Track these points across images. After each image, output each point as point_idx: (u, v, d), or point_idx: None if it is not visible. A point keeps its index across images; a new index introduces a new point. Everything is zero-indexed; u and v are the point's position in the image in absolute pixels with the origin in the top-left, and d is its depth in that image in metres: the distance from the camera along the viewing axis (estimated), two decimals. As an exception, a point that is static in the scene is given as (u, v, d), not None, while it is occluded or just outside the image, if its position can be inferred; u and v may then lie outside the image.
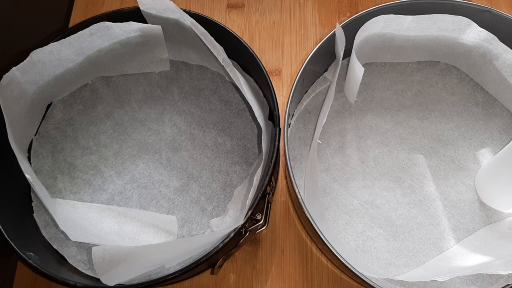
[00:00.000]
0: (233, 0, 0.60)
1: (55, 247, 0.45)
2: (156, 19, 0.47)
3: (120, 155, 0.50)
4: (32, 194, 0.47)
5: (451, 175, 0.48)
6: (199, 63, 0.53)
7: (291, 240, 0.48)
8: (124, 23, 0.46)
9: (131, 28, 0.47)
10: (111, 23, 0.46)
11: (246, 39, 0.56)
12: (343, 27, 0.44)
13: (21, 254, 0.39)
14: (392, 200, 0.47)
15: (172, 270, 0.40)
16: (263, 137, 0.42)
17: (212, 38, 0.44)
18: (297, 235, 0.48)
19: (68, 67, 0.48)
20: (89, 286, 0.39)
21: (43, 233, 0.45)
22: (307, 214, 0.38)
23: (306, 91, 0.51)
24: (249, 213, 0.38)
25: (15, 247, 0.39)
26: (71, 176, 0.48)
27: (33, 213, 0.46)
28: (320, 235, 0.37)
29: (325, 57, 0.50)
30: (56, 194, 0.48)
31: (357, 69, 0.44)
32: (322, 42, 0.45)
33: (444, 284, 0.43)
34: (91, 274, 0.44)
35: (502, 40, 0.45)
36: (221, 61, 0.44)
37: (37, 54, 0.44)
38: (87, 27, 0.45)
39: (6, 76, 0.42)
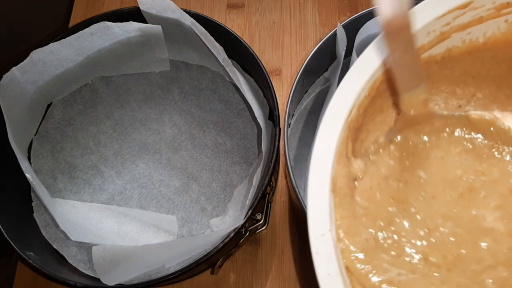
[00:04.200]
0: (233, 0, 0.60)
1: (55, 247, 0.45)
2: (156, 19, 0.47)
3: (120, 155, 0.50)
4: (32, 194, 0.47)
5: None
6: (199, 63, 0.53)
7: (291, 240, 0.48)
8: (124, 23, 0.46)
9: (131, 28, 0.47)
10: (111, 23, 0.46)
11: (246, 39, 0.56)
12: (343, 26, 0.44)
13: (21, 254, 0.39)
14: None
15: (172, 270, 0.40)
16: (263, 137, 0.42)
17: (212, 38, 0.44)
18: (297, 235, 0.48)
19: (68, 67, 0.48)
20: (89, 286, 0.39)
21: (43, 233, 0.45)
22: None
23: (306, 91, 0.51)
24: (249, 213, 0.38)
25: (15, 247, 0.39)
26: (71, 176, 0.48)
27: (33, 213, 0.46)
28: (320, 235, 0.37)
29: (325, 57, 0.50)
30: (56, 194, 0.48)
31: (357, 69, 0.44)
32: (322, 42, 0.45)
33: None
34: (91, 274, 0.44)
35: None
36: (221, 61, 0.44)
37: (37, 54, 0.44)
38: (87, 27, 0.45)
39: (6, 76, 0.42)
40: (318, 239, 0.25)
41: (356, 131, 0.29)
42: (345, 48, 0.44)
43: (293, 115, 0.50)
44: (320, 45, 0.45)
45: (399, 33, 0.25)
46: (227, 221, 0.45)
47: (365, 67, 0.27)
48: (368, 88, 0.27)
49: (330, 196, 0.26)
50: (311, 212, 0.25)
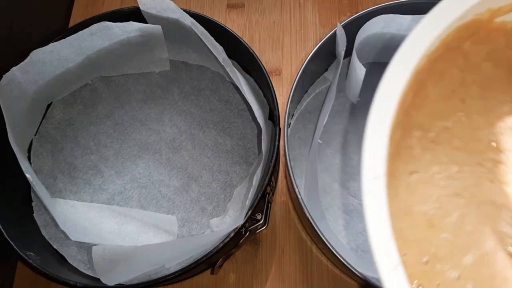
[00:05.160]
0: (233, 0, 0.60)
1: (55, 247, 0.45)
2: (156, 19, 0.47)
3: (120, 155, 0.50)
4: (32, 194, 0.47)
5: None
6: (199, 63, 0.53)
7: (291, 240, 0.48)
8: (124, 23, 0.46)
9: (131, 28, 0.47)
10: (111, 23, 0.46)
11: (246, 39, 0.56)
12: (343, 26, 0.44)
13: (21, 254, 0.39)
14: (392, 200, 0.47)
15: (172, 270, 0.40)
16: (263, 137, 0.42)
17: (212, 38, 0.44)
18: (297, 235, 0.48)
19: (68, 67, 0.48)
20: (89, 286, 0.39)
21: (43, 233, 0.45)
22: (307, 214, 0.38)
23: (306, 91, 0.51)
24: (249, 213, 0.38)
25: (15, 247, 0.39)
26: (71, 176, 0.48)
27: (33, 213, 0.46)
28: (320, 235, 0.37)
29: (325, 57, 0.50)
30: (56, 194, 0.48)
31: (358, 70, 0.44)
32: (322, 42, 0.45)
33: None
34: (91, 274, 0.44)
35: (502, 40, 0.45)
36: (221, 61, 0.44)
37: (37, 54, 0.44)
38: (87, 27, 0.45)
39: (6, 76, 0.42)
40: (371, 181, 0.23)
41: (418, 85, 0.27)
42: (345, 48, 0.44)
43: (293, 115, 0.50)
44: (320, 45, 0.45)
45: None
46: (227, 221, 0.45)
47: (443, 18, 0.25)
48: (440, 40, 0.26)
49: (388, 141, 0.25)
50: (367, 153, 0.24)
